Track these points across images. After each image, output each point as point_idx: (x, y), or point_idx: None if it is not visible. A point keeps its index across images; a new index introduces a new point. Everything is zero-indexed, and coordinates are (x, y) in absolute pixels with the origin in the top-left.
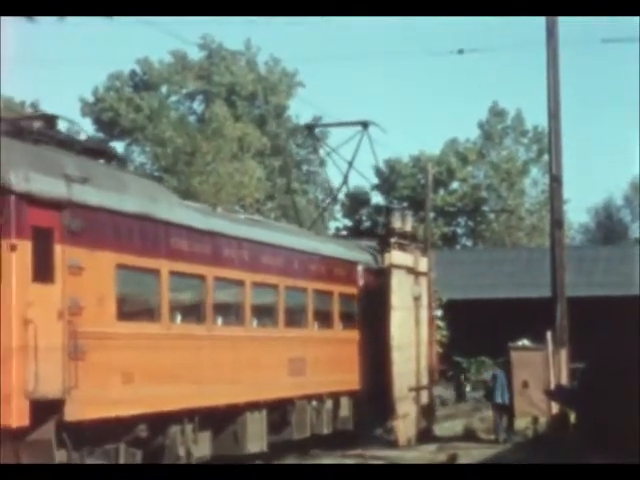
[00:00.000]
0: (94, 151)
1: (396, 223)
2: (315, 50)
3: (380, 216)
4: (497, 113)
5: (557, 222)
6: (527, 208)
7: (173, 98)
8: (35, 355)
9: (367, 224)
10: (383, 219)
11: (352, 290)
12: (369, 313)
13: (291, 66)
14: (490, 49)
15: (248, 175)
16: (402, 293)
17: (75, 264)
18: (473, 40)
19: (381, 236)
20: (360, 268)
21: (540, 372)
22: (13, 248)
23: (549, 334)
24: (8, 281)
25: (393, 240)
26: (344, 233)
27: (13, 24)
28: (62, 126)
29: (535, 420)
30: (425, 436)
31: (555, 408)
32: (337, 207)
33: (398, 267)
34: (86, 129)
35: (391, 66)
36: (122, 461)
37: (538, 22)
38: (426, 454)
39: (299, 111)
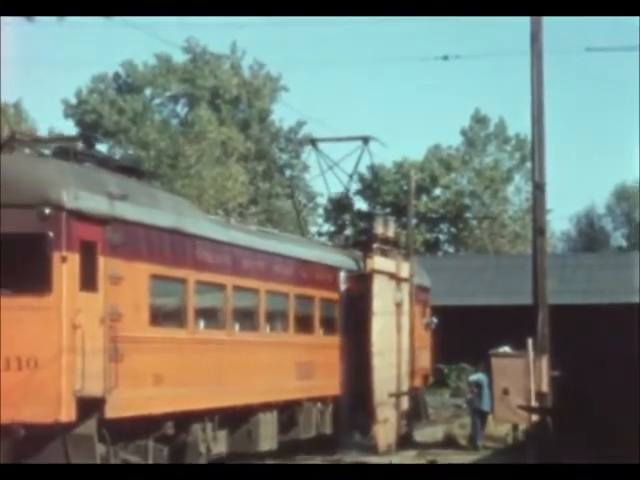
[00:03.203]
0: (128, 169)
1: (378, 229)
2: (298, 55)
3: (362, 222)
4: (479, 120)
5: (539, 230)
6: (510, 215)
7: (157, 101)
8: (82, 357)
9: (349, 230)
10: (365, 225)
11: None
12: (351, 318)
13: (275, 70)
14: (474, 55)
15: (232, 179)
16: (384, 299)
17: (115, 274)
18: (457, 46)
19: (363, 242)
20: (342, 273)
21: (520, 379)
22: (64, 260)
23: (530, 341)
24: (59, 290)
25: (375, 246)
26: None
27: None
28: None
29: (515, 427)
30: (405, 442)
31: (535, 415)
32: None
33: (380, 273)
34: (69, 131)
35: (374, 71)
36: (150, 456)
37: (522, 28)
38: (406, 460)
39: (283, 115)
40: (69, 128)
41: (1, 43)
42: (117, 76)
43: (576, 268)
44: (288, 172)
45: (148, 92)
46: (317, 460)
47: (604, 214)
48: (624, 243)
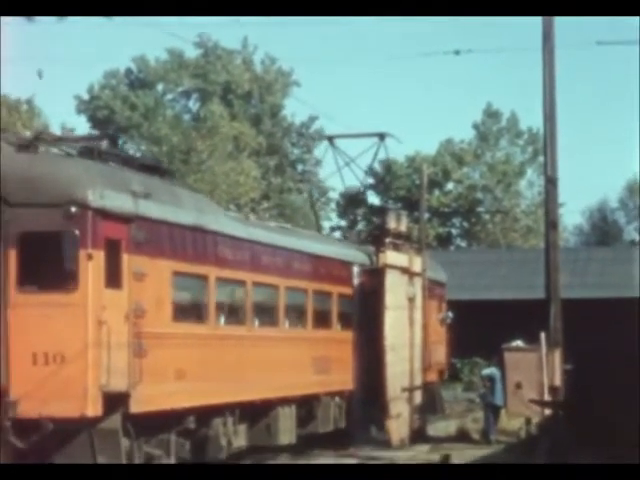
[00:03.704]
0: (150, 167)
1: (391, 223)
2: (311, 50)
3: (375, 216)
4: (491, 114)
5: (552, 224)
6: (522, 209)
7: (169, 96)
8: (108, 353)
9: (362, 224)
10: (378, 219)
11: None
12: (364, 313)
13: (287, 65)
14: (486, 50)
15: (244, 174)
16: (396, 293)
17: (139, 271)
18: (469, 41)
19: (376, 236)
20: (355, 268)
21: (533, 373)
22: (90, 257)
23: (543, 335)
24: (85, 287)
25: (388, 240)
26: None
27: (9, 23)
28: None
29: (528, 421)
30: (418, 436)
31: (547, 409)
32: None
33: (392, 267)
34: (82, 127)
35: (387, 66)
36: (173, 450)
37: (534, 24)
38: (419, 454)
39: (294, 110)
40: (81, 124)
41: (11, 41)
42: (129, 72)
43: (589, 262)
44: (300, 167)
45: (160, 87)
46: (330, 454)
47: (617, 208)
48: (637, 237)
